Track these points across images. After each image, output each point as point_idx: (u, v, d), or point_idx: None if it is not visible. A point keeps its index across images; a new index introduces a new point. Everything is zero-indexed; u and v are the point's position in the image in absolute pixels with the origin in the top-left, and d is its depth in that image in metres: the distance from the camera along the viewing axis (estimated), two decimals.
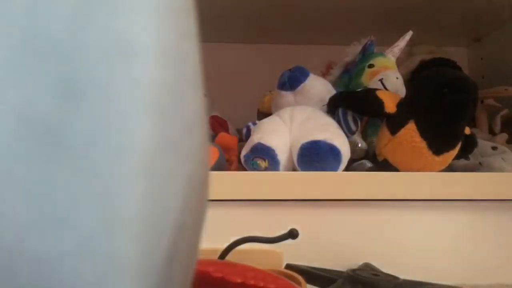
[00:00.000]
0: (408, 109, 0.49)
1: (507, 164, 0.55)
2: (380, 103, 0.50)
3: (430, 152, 0.47)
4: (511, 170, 0.54)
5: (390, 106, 0.50)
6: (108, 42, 0.12)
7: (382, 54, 0.62)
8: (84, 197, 0.11)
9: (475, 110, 0.48)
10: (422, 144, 0.47)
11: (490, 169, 0.55)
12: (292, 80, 0.57)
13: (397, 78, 0.59)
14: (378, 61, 0.60)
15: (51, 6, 0.11)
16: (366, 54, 0.62)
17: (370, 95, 0.52)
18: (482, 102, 0.74)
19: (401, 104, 0.50)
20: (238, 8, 0.77)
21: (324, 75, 0.68)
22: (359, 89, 0.58)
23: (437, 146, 0.47)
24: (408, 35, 0.62)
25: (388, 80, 0.58)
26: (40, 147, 0.11)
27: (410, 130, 0.48)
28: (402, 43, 0.62)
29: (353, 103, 0.53)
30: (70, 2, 0.11)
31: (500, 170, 0.53)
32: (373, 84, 0.58)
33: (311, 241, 0.46)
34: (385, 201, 0.47)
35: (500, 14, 0.81)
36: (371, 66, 0.60)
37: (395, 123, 0.49)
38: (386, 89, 0.57)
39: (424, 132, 0.47)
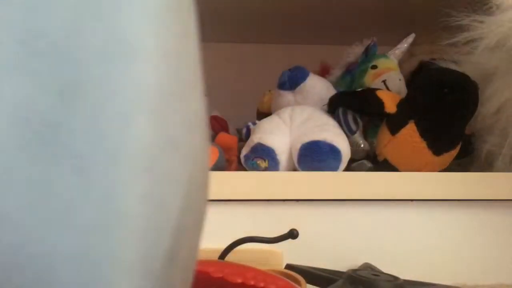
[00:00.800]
0: (408, 109, 0.49)
1: None
2: (380, 103, 0.50)
3: (430, 152, 0.47)
4: None
5: (390, 106, 0.50)
6: (108, 42, 0.12)
7: (385, 55, 0.62)
8: (83, 197, 0.11)
9: (475, 110, 0.47)
10: (422, 144, 0.47)
11: None
12: (292, 80, 0.57)
13: (399, 79, 0.59)
14: (381, 63, 0.60)
15: (51, 6, 0.11)
16: (369, 55, 0.62)
17: (370, 95, 0.52)
18: None
19: (401, 104, 0.50)
20: (238, 8, 0.76)
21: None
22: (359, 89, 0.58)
23: (437, 146, 0.47)
24: (410, 38, 0.62)
25: (391, 81, 0.58)
26: (39, 147, 0.11)
27: (410, 130, 0.48)
28: (404, 45, 0.62)
29: (353, 103, 0.53)
30: (70, 3, 0.11)
31: None
32: (376, 85, 0.58)
33: (311, 241, 0.46)
34: (385, 201, 0.47)
35: None
36: (374, 67, 0.60)
37: (395, 123, 0.49)
38: (389, 90, 0.57)
39: (424, 132, 0.47)
